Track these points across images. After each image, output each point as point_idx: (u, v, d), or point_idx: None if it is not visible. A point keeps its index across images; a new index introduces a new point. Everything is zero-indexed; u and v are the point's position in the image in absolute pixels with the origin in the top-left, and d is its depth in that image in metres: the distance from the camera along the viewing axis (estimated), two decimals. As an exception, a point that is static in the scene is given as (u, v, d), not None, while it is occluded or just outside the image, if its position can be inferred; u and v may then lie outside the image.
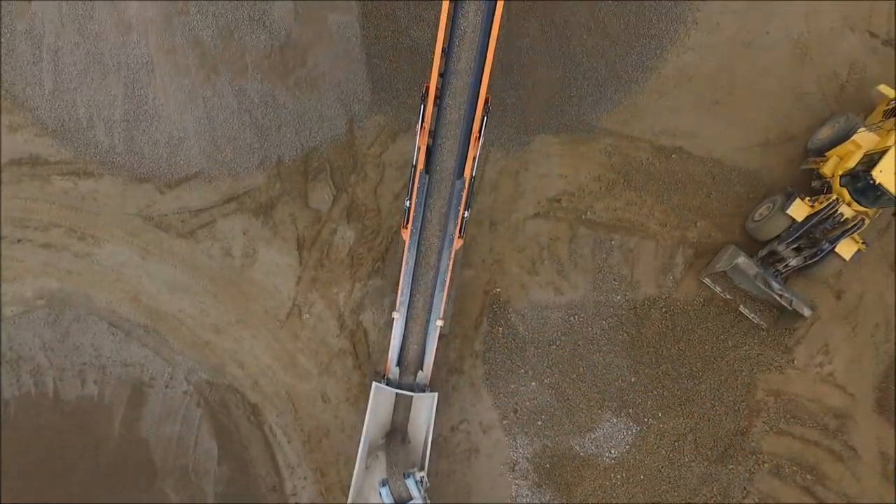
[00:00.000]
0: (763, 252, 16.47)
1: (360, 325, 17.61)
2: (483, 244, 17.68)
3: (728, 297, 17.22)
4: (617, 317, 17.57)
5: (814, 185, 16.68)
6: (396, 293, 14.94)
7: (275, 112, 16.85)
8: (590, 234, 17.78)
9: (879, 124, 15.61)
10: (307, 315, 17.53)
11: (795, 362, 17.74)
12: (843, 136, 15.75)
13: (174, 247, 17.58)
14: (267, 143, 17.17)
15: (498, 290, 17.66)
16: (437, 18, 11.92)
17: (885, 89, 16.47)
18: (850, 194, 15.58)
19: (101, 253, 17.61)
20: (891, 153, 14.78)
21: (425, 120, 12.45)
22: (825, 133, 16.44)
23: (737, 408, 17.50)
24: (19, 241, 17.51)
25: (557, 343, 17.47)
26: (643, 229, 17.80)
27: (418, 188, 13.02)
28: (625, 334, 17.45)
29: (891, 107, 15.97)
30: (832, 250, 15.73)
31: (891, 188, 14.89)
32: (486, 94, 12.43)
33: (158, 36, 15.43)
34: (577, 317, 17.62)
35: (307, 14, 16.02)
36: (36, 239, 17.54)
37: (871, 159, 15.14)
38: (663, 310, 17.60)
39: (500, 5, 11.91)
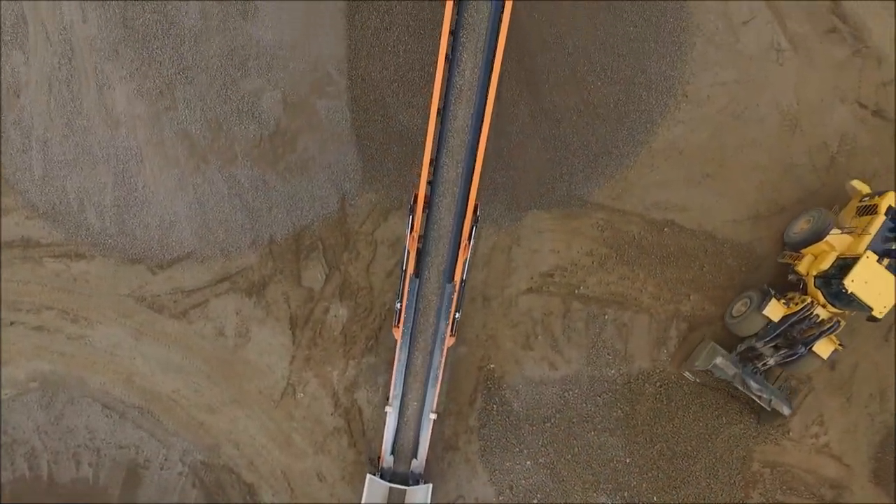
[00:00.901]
0: (741, 347, 16.51)
1: (354, 403, 17.61)
2: (476, 320, 17.67)
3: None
4: (612, 392, 17.58)
5: (790, 279, 16.72)
6: (391, 374, 14.99)
7: (265, 195, 16.85)
8: (583, 309, 17.78)
9: (851, 229, 15.62)
10: (301, 394, 17.52)
11: (790, 433, 17.77)
12: (817, 235, 15.73)
13: (167, 327, 17.55)
14: (258, 224, 17.17)
15: (492, 365, 17.67)
16: (426, 129, 11.90)
17: (858, 185, 16.55)
18: (824, 297, 15.62)
19: (94, 334, 17.59)
20: (863, 263, 14.82)
21: (414, 227, 12.45)
22: (800, 227, 16.47)
23: (732, 481, 17.50)
24: (12, 323, 17.49)
25: (552, 420, 17.48)
26: (636, 303, 17.80)
27: (409, 291, 13.01)
28: (619, 411, 17.46)
29: (863, 203, 16.01)
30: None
31: (864, 298, 14.94)
32: (476, 200, 12.43)
33: (147, 130, 15.42)
34: (571, 392, 17.62)
35: (295, 103, 16.02)
36: (28, 321, 17.52)
37: (844, 264, 15.16)
38: (658, 384, 17.61)
39: (489, 110, 11.91)
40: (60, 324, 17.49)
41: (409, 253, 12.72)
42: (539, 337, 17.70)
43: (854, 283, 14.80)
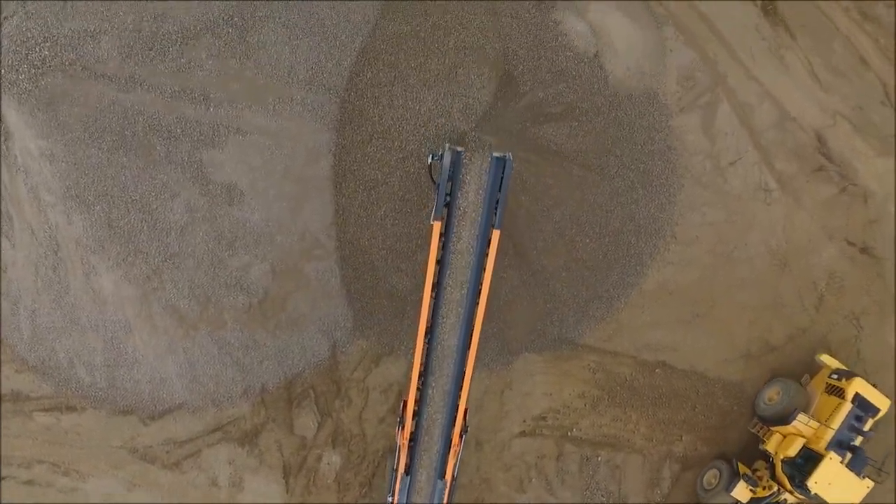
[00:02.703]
0: None
1: (349, 551, 17.60)
2: (470, 464, 17.68)
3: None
4: (606, 535, 17.64)
5: (761, 448, 16.88)
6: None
7: (256, 351, 16.81)
8: (576, 451, 17.83)
9: (817, 423, 15.67)
10: (296, 544, 17.48)
11: None
12: (784, 419, 15.90)
13: (160, 478, 17.48)
14: (249, 376, 17.12)
15: (487, 509, 17.69)
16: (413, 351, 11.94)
17: (827, 359, 16.76)
18: (791, 484, 15.77)
19: (87, 487, 17.50)
20: (826, 464, 15.01)
21: (405, 430, 12.47)
22: (769, 397, 16.64)
23: None
24: (3, 478, 17.36)
25: (549, 564, 17.52)
26: (629, 444, 17.85)
27: (400, 489, 13.04)
28: (614, 552, 17.53)
29: (832, 381, 16.16)
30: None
31: (828, 498, 15.15)
32: (465, 404, 12.47)
33: (135, 307, 15.36)
34: (566, 534, 17.67)
35: (284, 270, 16.00)
36: (19, 476, 17.42)
37: (810, 455, 15.27)
38: (652, 526, 17.68)
39: (475, 338, 11.97)
40: (52, 477, 17.37)
41: (400, 448, 12.72)
42: (533, 480, 17.72)
43: (818, 484, 15.10)
